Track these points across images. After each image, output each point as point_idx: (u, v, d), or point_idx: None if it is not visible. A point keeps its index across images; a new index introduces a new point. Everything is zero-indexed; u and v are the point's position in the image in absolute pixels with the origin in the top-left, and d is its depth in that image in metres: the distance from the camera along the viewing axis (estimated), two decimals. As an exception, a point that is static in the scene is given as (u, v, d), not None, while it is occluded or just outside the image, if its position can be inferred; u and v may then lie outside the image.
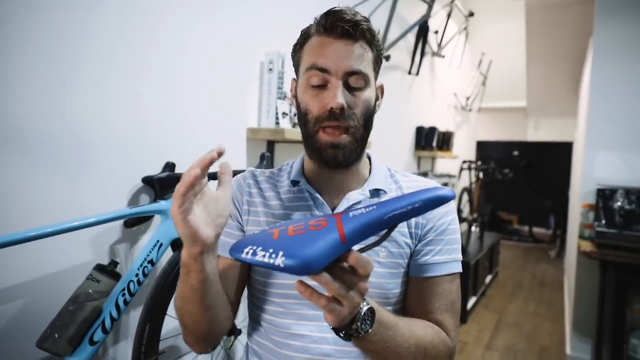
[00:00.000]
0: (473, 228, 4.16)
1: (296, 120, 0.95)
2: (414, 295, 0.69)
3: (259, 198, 0.73)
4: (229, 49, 1.43)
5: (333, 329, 0.52)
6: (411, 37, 2.82)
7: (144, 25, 1.14)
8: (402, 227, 0.68)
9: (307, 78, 0.64)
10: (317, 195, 0.70)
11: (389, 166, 0.78)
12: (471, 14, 3.89)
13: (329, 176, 0.70)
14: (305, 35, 0.67)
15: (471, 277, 3.40)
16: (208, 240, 0.51)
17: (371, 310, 0.51)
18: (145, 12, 1.14)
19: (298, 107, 0.68)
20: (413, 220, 0.69)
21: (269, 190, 0.74)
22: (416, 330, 0.61)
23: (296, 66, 0.70)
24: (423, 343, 0.60)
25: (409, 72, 2.85)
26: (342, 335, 0.51)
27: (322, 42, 0.63)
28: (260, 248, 0.45)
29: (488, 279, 4.21)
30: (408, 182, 0.74)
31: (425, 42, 2.79)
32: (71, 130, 0.98)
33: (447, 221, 0.70)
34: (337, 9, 0.63)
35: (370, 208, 0.47)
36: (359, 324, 0.50)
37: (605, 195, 2.35)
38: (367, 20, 0.64)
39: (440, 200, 0.45)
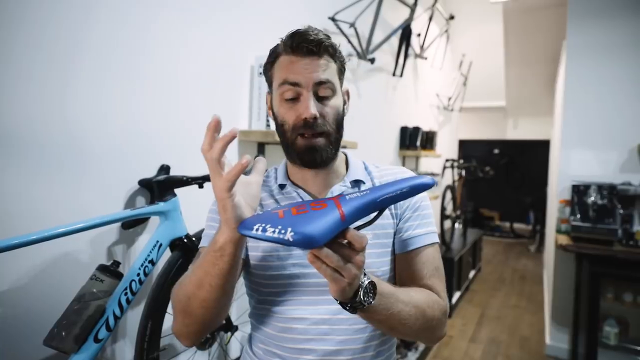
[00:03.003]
0: (456, 225, 4.27)
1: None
2: (403, 268, 0.77)
3: None
4: (220, 53, 1.47)
5: (340, 303, 0.57)
6: (395, 40, 2.90)
7: (138, 30, 1.17)
8: (387, 209, 0.77)
9: (280, 93, 0.71)
10: (305, 193, 0.77)
11: (363, 160, 0.87)
12: (452, 17, 4.00)
13: (312, 176, 0.77)
14: (274, 55, 0.73)
15: (455, 272, 3.50)
16: None
17: (372, 284, 0.58)
18: (139, 18, 1.17)
19: (275, 119, 0.75)
20: None
21: (263, 192, 0.80)
22: (412, 295, 0.68)
23: (269, 82, 0.77)
24: (421, 305, 0.67)
25: (393, 74, 2.93)
26: (348, 307, 0.57)
27: (291, 60, 0.70)
28: (269, 225, 0.49)
29: (471, 274, 4.33)
30: (379, 172, 0.83)
31: (408, 44, 2.87)
32: (68, 134, 1.00)
33: (419, 199, 0.79)
34: (301, 30, 0.70)
35: (365, 192, 0.55)
36: (362, 296, 0.56)
37: (579, 190, 2.47)
38: (328, 37, 0.72)
39: (424, 187, 0.54)
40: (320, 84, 0.69)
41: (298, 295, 0.73)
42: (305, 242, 0.46)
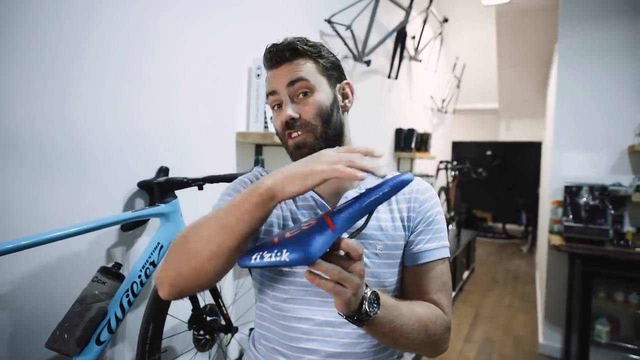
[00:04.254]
0: (450, 226, 4.30)
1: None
2: (411, 281, 0.77)
3: None
4: (218, 55, 1.47)
5: (346, 317, 0.58)
6: (390, 43, 2.92)
7: (138, 31, 1.18)
8: (396, 221, 0.77)
9: (270, 103, 0.76)
10: (316, 196, 0.77)
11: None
12: (446, 20, 4.04)
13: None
14: (266, 69, 0.78)
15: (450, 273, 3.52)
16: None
17: (375, 294, 0.58)
18: (139, 19, 1.18)
19: (274, 125, 0.78)
20: (405, 215, 0.78)
21: None
22: (416, 309, 0.68)
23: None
24: (423, 319, 0.68)
25: (388, 76, 2.95)
26: (354, 320, 0.57)
27: (269, 75, 0.76)
28: (265, 252, 0.52)
29: (465, 274, 4.37)
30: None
31: (403, 47, 2.90)
32: (68, 134, 1.01)
33: (434, 212, 0.78)
34: (272, 44, 0.74)
35: (351, 200, 0.57)
36: (366, 307, 0.56)
37: (572, 191, 2.51)
38: (301, 40, 0.74)
39: (404, 183, 0.56)
40: (291, 84, 0.72)
41: (306, 296, 0.73)
42: (302, 259, 0.48)
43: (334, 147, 0.75)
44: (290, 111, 0.72)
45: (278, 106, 0.75)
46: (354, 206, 0.54)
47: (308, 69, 0.73)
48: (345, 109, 0.79)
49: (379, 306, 0.58)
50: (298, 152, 0.73)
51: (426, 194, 0.79)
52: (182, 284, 0.61)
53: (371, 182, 0.79)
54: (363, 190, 0.76)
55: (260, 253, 0.53)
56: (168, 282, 0.62)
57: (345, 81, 0.80)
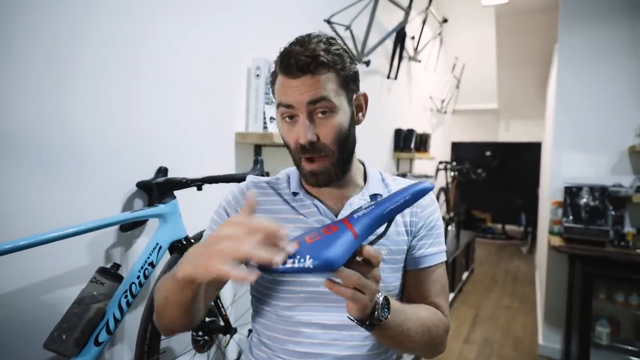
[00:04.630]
0: (450, 227, 4.30)
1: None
2: (412, 285, 0.78)
3: (267, 205, 0.78)
4: (217, 55, 1.47)
5: (358, 322, 0.58)
6: (389, 43, 2.92)
7: (136, 31, 1.17)
8: (399, 226, 0.77)
9: (280, 113, 0.69)
10: (319, 203, 0.76)
11: (380, 170, 0.86)
12: (445, 21, 4.04)
13: (326, 189, 0.75)
14: (274, 74, 0.71)
15: (449, 274, 3.52)
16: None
17: (386, 299, 0.60)
18: (137, 19, 1.17)
19: (282, 134, 0.73)
20: (408, 220, 0.78)
21: (274, 196, 0.79)
22: (420, 312, 0.70)
23: (274, 100, 0.77)
24: (427, 323, 0.69)
25: (388, 77, 2.95)
26: (366, 325, 0.58)
27: (283, 82, 0.67)
28: (289, 260, 0.50)
29: (465, 275, 4.37)
30: (397, 185, 0.82)
31: (402, 47, 2.89)
32: (67, 135, 1.00)
33: (434, 218, 0.80)
34: (292, 48, 0.66)
35: (371, 207, 0.56)
36: (379, 311, 0.58)
37: (572, 192, 2.50)
38: (327, 48, 0.66)
39: (424, 191, 0.57)
40: (313, 102, 0.65)
41: (309, 302, 0.73)
42: (326, 266, 0.48)
43: (347, 167, 0.74)
44: (309, 135, 0.66)
45: (290, 117, 0.68)
46: (375, 213, 0.54)
47: (330, 84, 0.66)
48: (358, 122, 0.75)
49: (389, 311, 0.60)
50: (314, 178, 0.70)
51: (427, 199, 0.80)
52: (172, 331, 0.71)
53: (374, 187, 0.79)
54: (366, 197, 0.76)
55: (285, 262, 0.50)
56: (161, 329, 0.72)
57: (361, 92, 0.75)
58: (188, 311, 0.64)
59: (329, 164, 0.69)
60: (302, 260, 0.49)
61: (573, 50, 2.71)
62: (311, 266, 0.48)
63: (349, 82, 0.70)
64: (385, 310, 0.59)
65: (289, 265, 0.49)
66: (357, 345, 0.72)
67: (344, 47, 0.72)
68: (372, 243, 0.57)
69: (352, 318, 0.58)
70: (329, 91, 0.66)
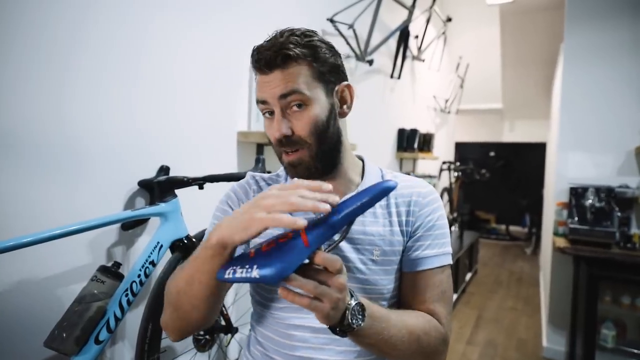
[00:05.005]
0: (453, 228, 4.28)
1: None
2: (408, 288, 0.74)
3: None
4: (219, 54, 1.46)
5: (330, 328, 0.56)
6: (393, 42, 2.91)
7: (137, 30, 1.17)
8: (394, 226, 0.74)
9: (260, 110, 0.70)
10: None
11: (381, 167, 0.83)
12: (449, 20, 4.02)
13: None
14: (254, 71, 0.71)
15: (452, 275, 3.50)
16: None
17: (360, 305, 0.56)
18: (137, 18, 1.17)
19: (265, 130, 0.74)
20: (404, 219, 0.74)
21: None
22: (407, 320, 0.65)
23: None
24: (415, 331, 0.65)
25: (391, 76, 2.93)
26: (337, 331, 0.56)
27: (258, 79, 0.68)
28: (238, 267, 0.51)
29: (468, 276, 4.34)
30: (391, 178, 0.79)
31: (406, 46, 2.88)
32: (67, 135, 1.00)
33: (435, 217, 0.74)
34: (259, 45, 0.67)
35: (329, 213, 0.53)
36: (349, 319, 0.55)
37: (577, 193, 2.48)
38: (295, 41, 0.65)
39: (385, 192, 0.54)
40: (284, 96, 0.65)
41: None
42: (271, 276, 0.47)
43: (331, 161, 0.72)
44: (283, 129, 0.66)
45: (269, 113, 0.69)
46: (330, 219, 0.52)
47: (302, 76, 0.65)
48: (343, 114, 0.73)
49: (363, 317, 0.56)
50: (293, 169, 0.70)
51: (427, 197, 0.75)
52: (185, 329, 0.68)
53: (370, 183, 0.76)
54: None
55: (234, 268, 0.51)
56: (174, 331, 0.69)
57: (344, 83, 0.73)
58: (212, 295, 0.61)
59: (306, 157, 0.69)
60: (249, 270, 0.49)
61: (579, 50, 2.68)
62: (257, 276, 0.47)
63: (325, 74, 0.68)
64: (359, 317, 0.56)
65: (238, 274, 0.50)
66: (347, 350, 0.70)
67: (322, 39, 0.70)
68: (330, 249, 0.56)
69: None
70: (300, 84, 0.65)
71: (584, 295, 2.26)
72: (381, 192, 0.53)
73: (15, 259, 0.88)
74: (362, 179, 0.77)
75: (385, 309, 0.63)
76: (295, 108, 0.66)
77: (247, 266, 0.49)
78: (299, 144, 0.68)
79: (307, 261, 0.51)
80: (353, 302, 0.55)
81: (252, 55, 0.67)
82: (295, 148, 0.68)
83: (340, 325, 0.55)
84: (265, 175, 0.82)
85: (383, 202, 0.75)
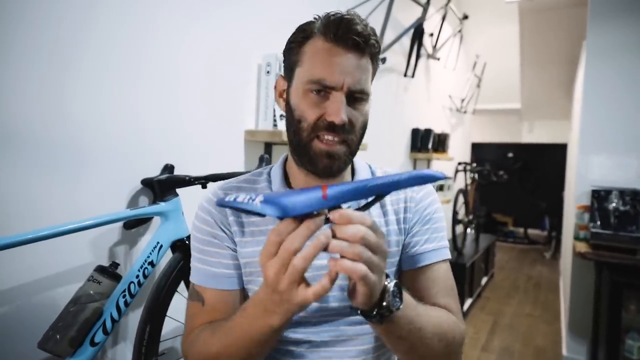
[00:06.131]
0: (468, 230, 4.17)
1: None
2: (411, 286, 0.69)
3: (244, 217, 0.68)
4: (226, 51, 1.44)
5: (363, 313, 0.50)
6: (406, 40, 2.84)
7: (139, 30, 1.15)
8: (391, 224, 0.70)
9: (308, 88, 0.60)
10: None
11: (368, 162, 0.78)
12: (465, 17, 3.93)
13: (320, 183, 0.66)
14: (305, 35, 0.62)
15: (467, 279, 3.41)
16: None
17: (398, 286, 0.50)
18: (142, 14, 1.15)
19: (290, 111, 0.64)
20: (401, 216, 0.70)
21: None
22: (432, 312, 0.60)
23: (291, 65, 0.64)
24: (442, 324, 0.60)
25: (405, 75, 2.87)
26: (374, 315, 0.49)
27: (329, 52, 0.59)
28: (242, 194, 0.46)
29: (484, 280, 4.23)
30: (381, 173, 0.75)
31: (420, 44, 2.81)
32: (70, 133, 0.98)
33: (431, 211, 0.71)
34: (348, 17, 0.59)
35: (358, 180, 0.50)
36: (389, 299, 0.48)
37: (600, 196, 2.37)
38: (374, 33, 0.62)
39: (428, 178, 0.46)
40: (354, 86, 0.60)
41: (298, 319, 0.66)
42: (273, 208, 0.42)
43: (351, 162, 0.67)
44: (346, 115, 0.59)
45: (318, 91, 0.59)
46: (359, 183, 0.46)
47: (370, 74, 0.63)
48: None
49: (402, 301, 0.50)
50: (327, 161, 0.61)
51: (421, 191, 0.72)
52: None
53: (363, 177, 0.72)
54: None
55: (237, 195, 0.46)
56: None
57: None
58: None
59: (346, 152, 0.62)
60: (253, 197, 0.44)
61: (602, 48, 2.57)
62: (258, 204, 0.42)
63: (374, 76, 0.66)
64: (397, 299, 0.49)
65: (239, 200, 0.45)
66: None
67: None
68: None
69: (357, 309, 0.49)
70: (368, 81, 0.62)
71: (606, 303, 2.15)
72: (426, 177, 0.46)
73: (14, 257, 0.87)
74: (352, 177, 0.73)
75: (412, 297, 0.57)
76: (358, 100, 0.62)
77: (254, 195, 0.44)
78: (348, 136, 0.61)
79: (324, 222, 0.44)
80: (391, 283, 0.49)
81: (338, 23, 0.59)
82: (342, 139, 0.61)
83: (379, 306, 0.48)
84: (234, 182, 0.73)
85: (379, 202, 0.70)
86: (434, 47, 3.47)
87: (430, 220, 0.71)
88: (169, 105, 1.24)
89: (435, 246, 0.70)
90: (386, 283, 0.49)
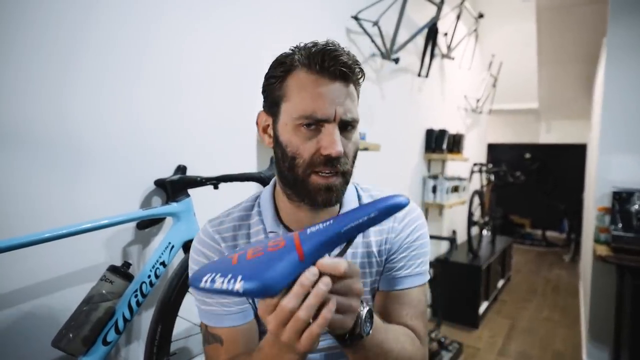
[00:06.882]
0: (484, 232, 4.10)
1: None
2: (382, 305, 0.71)
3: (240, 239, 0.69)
4: (237, 52, 1.44)
5: (336, 337, 0.52)
6: (420, 40, 2.81)
7: (140, 29, 1.14)
8: (374, 256, 0.71)
9: (300, 123, 0.59)
10: (286, 231, 0.68)
11: (356, 184, 0.76)
12: (481, 16, 3.86)
13: (310, 217, 0.66)
14: (285, 68, 0.60)
15: (483, 282, 3.35)
16: None
17: (370, 312, 0.52)
18: (147, 12, 1.16)
19: (280, 147, 0.61)
20: (383, 247, 0.71)
21: (241, 238, 0.69)
22: (400, 337, 0.63)
23: (275, 100, 0.62)
24: (408, 348, 0.62)
25: (419, 75, 2.84)
26: (345, 340, 0.51)
27: (316, 83, 0.58)
28: (219, 274, 0.43)
29: (500, 283, 4.15)
30: (372, 198, 0.74)
31: (434, 44, 2.78)
32: (71, 133, 0.98)
33: (412, 239, 0.72)
34: (331, 47, 0.59)
35: (328, 223, 0.47)
36: (360, 325, 0.51)
37: (621, 198, 2.30)
38: (357, 60, 0.62)
39: (395, 208, 0.46)
40: (345, 122, 0.59)
41: None
42: (257, 291, 0.40)
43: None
44: (341, 146, 0.58)
45: (308, 125, 0.58)
46: (331, 230, 0.45)
47: (356, 99, 0.63)
48: None
49: (372, 325, 0.52)
50: (326, 194, 0.60)
51: (404, 220, 0.71)
52: None
53: (349, 203, 0.71)
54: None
55: (213, 275, 0.43)
56: None
57: None
58: None
59: (344, 181, 0.62)
60: (232, 280, 0.41)
61: (623, 45, 2.50)
62: (240, 290, 0.40)
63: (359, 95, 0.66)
64: (368, 324, 0.52)
65: (217, 285, 0.42)
66: None
67: None
68: None
69: (333, 333, 0.51)
70: (356, 104, 0.63)
71: (629, 308, 2.08)
72: (391, 208, 0.46)
73: (29, 257, 0.89)
74: (340, 206, 0.71)
75: (381, 321, 0.59)
76: (349, 128, 0.61)
77: (230, 275, 0.42)
78: (344, 167, 0.61)
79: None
80: (365, 309, 0.51)
81: (322, 54, 0.58)
82: (340, 170, 0.60)
83: (352, 332, 0.50)
84: (229, 222, 0.71)
85: None
86: (449, 46, 3.42)
87: (409, 249, 0.71)
88: (182, 107, 1.25)
89: (411, 272, 0.71)
90: (360, 309, 0.50)
